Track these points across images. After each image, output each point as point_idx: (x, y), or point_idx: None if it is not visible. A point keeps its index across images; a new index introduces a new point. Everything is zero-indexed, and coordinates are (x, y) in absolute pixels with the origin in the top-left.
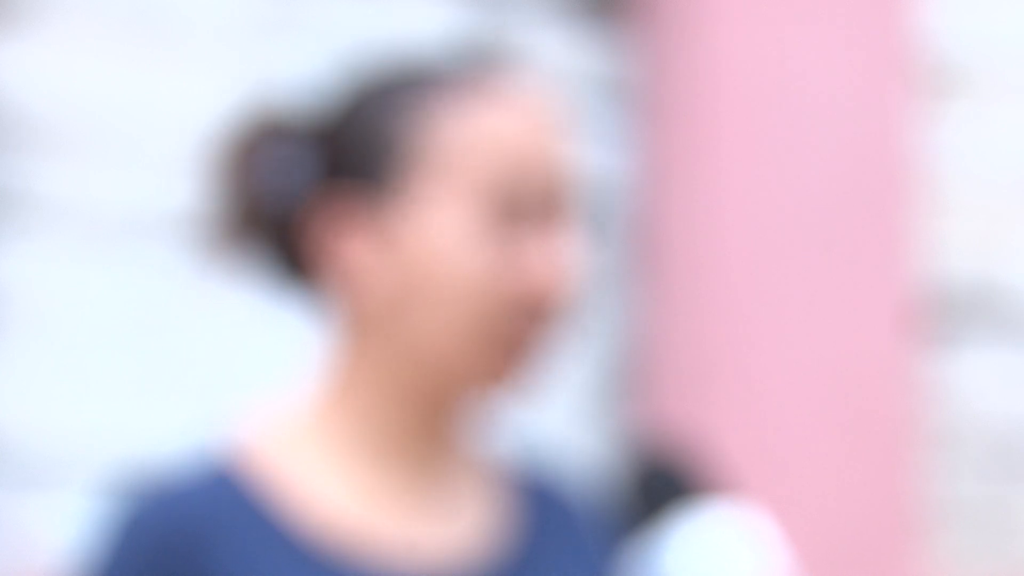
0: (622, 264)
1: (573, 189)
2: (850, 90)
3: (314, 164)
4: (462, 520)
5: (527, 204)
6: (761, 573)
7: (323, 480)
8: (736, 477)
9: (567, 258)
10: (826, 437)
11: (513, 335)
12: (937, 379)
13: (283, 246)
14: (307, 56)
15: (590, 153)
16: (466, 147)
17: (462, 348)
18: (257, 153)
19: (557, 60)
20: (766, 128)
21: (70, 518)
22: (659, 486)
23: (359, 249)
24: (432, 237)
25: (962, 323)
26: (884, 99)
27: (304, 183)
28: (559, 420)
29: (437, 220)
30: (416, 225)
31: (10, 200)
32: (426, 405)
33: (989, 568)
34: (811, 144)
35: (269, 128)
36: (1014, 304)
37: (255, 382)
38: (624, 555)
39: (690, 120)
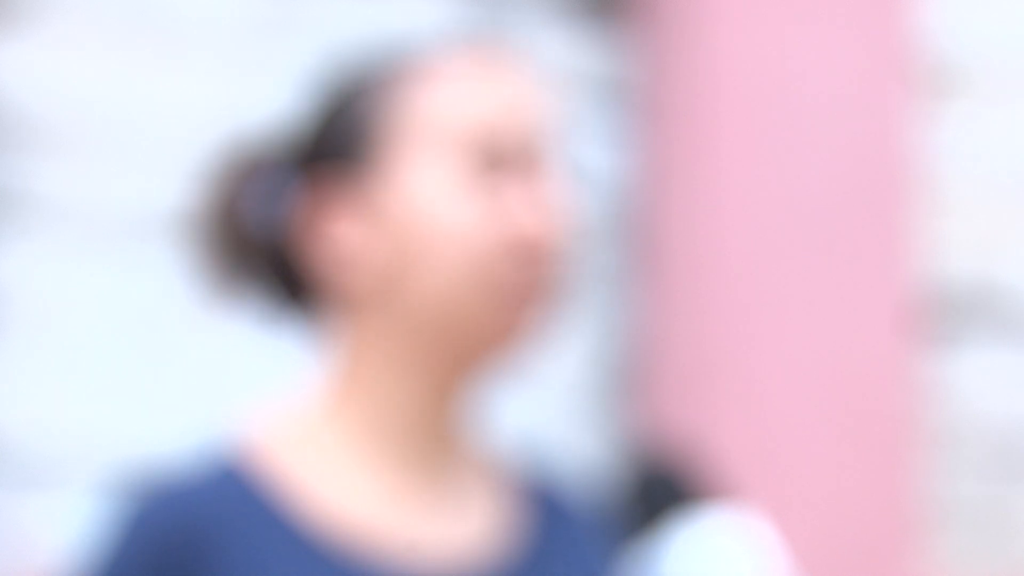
0: (622, 264)
1: (551, 139)
2: (850, 90)
3: (294, 177)
4: (470, 519)
5: (506, 156)
6: None
7: (331, 476)
8: (735, 478)
9: (553, 204)
10: (826, 437)
11: (514, 283)
12: (937, 379)
13: (281, 266)
14: (306, 56)
15: (590, 153)
16: (436, 108)
17: (465, 301)
18: (238, 190)
19: (557, 60)
20: (766, 128)
21: (70, 518)
22: (658, 491)
23: (348, 228)
24: (414, 196)
25: (962, 323)
26: (884, 99)
27: (287, 202)
28: (558, 420)
29: (416, 180)
30: (397, 189)
31: (10, 200)
32: (435, 384)
33: (989, 568)
34: (811, 144)
35: (246, 162)
36: (1014, 304)
37: (254, 382)
38: (624, 559)
39: (690, 120)
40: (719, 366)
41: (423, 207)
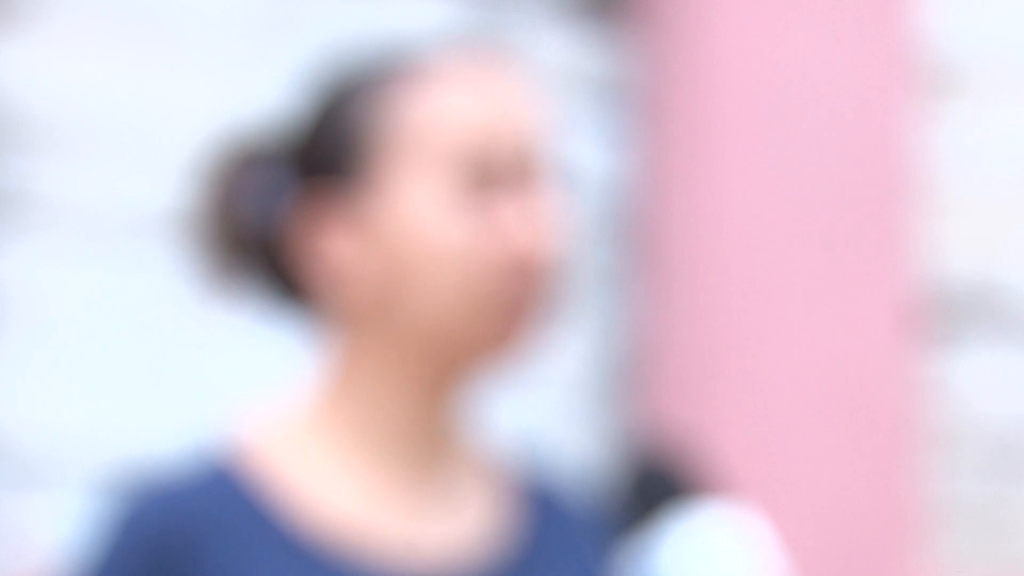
0: (622, 264)
1: (545, 152)
2: (850, 90)
3: (290, 178)
4: (464, 519)
5: (499, 170)
6: (755, 574)
7: (323, 478)
8: (734, 477)
9: (546, 219)
10: (826, 437)
11: (506, 298)
12: (937, 379)
13: (275, 266)
14: (306, 56)
15: (590, 153)
16: (428, 122)
17: (458, 318)
18: (234, 185)
19: (557, 60)
20: (765, 128)
21: (69, 518)
22: (654, 486)
23: (341, 244)
24: (406, 213)
25: (962, 323)
26: (884, 99)
27: (283, 202)
28: (556, 419)
29: (409, 196)
30: (389, 205)
31: (10, 200)
32: (428, 392)
33: (989, 568)
34: (811, 144)
35: (242, 157)
36: (1014, 304)
37: (253, 382)
38: (619, 556)
39: (690, 120)
40: (719, 366)
41: (415, 225)
